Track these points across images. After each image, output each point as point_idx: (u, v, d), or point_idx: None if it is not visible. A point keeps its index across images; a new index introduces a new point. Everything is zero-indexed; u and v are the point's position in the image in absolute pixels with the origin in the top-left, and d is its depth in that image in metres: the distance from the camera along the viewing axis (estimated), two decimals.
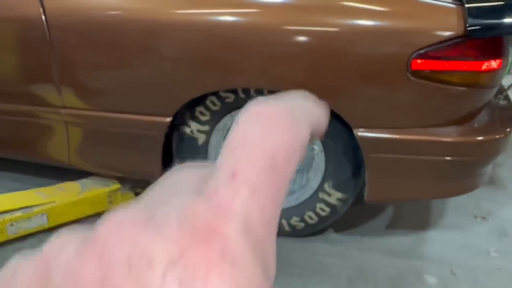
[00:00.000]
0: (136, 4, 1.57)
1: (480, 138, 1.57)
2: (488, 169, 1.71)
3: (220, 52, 1.50)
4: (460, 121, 1.57)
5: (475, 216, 2.09)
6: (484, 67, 1.46)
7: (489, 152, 1.62)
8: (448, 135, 1.55)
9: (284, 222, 1.82)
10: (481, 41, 1.44)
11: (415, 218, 2.06)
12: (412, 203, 2.10)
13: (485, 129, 1.61)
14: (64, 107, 1.70)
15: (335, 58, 1.45)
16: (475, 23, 1.38)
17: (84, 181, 1.92)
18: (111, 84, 1.65)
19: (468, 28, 1.38)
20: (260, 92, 1.57)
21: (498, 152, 1.64)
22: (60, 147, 1.81)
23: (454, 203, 2.12)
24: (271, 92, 1.51)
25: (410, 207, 2.11)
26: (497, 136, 1.59)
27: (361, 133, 1.54)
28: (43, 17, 1.56)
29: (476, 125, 1.60)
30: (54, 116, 1.73)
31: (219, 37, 1.49)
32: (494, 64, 1.47)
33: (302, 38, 1.46)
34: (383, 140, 1.54)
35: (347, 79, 1.48)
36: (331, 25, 1.45)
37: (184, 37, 1.52)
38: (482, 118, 1.63)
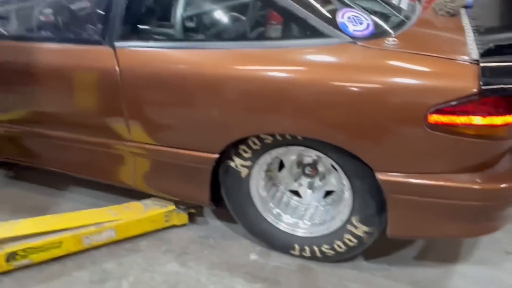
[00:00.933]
0: (199, 59, 1.84)
1: (498, 185, 1.67)
2: (511, 211, 1.80)
3: (263, 103, 1.74)
4: (478, 168, 1.69)
5: (506, 252, 2.15)
6: (499, 121, 1.58)
7: (507, 198, 1.72)
8: (466, 182, 1.66)
9: (315, 248, 2.02)
10: (496, 98, 1.56)
11: (445, 250, 2.14)
12: None
13: (504, 176, 1.71)
14: (132, 141, 2.04)
15: (361, 110, 1.64)
16: (488, 82, 1.51)
17: (146, 201, 2.25)
18: (171, 124, 1.94)
19: (482, 87, 1.51)
20: (294, 136, 1.80)
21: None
22: (128, 172, 2.15)
23: (487, 237, 2.20)
24: (304, 138, 1.75)
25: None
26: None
27: (382, 176, 1.71)
28: (117, 68, 1.90)
29: (495, 172, 1.71)
30: (124, 147, 2.07)
31: (263, 90, 1.73)
32: (510, 118, 1.59)
33: (333, 94, 1.66)
34: (403, 184, 1.70)
35: (370, 128, 1.65)
36: (359, 81, 1.63)
37: (235, 88, 1.77)
38: (502, 165, 1.73)
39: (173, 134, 1.95)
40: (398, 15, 1.98)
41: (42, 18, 2.13)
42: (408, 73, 1.61)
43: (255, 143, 1.89)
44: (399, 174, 1.70)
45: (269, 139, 1.86)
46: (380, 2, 2.07)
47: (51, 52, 2.04)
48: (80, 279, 1.98)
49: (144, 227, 2.18)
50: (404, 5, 2.12)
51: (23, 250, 1.96)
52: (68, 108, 2.10)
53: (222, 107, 1.80)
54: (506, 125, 1.59)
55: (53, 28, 2.13)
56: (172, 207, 2.21)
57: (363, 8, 1.97)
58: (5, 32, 2.21)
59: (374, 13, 1.99)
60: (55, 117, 2.15)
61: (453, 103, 1.54)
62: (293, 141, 1.83)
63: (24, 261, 1.98)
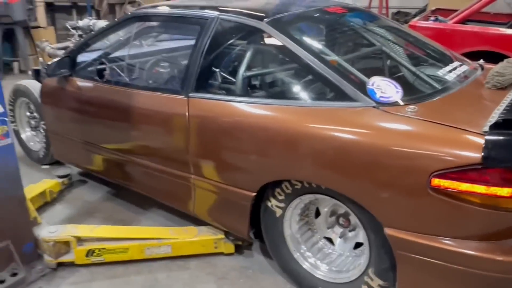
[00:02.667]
0: (249, 111, 2.19)
1: (503, 258, 1.67)
2: None
3: (291, 153, 2.02)
4: (490, 237, 1.71)
5: None
6: (504, 193, 1.61)
7: None
8: (474, 249, 1.70)
9: None
10: (501, 170, 1.61)
11: None
12: None
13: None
14: (192, 173, 2.44)
15: (370, 167, 1.81)
16: (489, 153, 1.58)
17: (202, 228, 2.61)
18: (221, 163, 2.30)
19: (483, 158, 1.59)
20: (318, 185, 2.02)
21: None
22: (189, 200, 2.55)
23: None
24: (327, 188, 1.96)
25: None
26: None
27: (389, 231, 1.83)
28: (187, 114, 2.35)
29: (505, 244, 1.70)
30: (187, 178, 2.48)
31: (294, 144, 2.01)
32: None
33: (345, 150, 1.86)
34: (409, 242, 1.79)
35: (378, 185, 1.80)
36: (369, 141, 1.81)
37: (267, 137, 2.09)
38: None
39: (221, 170, 2.30)
40: (436, 85, 2.11)
41: (143, 70, 2.72)
42: (415, 138, 1.75)
43: (287, 187, 2.15)
44: (406, 232, 1.80)
45: (298, 185, 2.10)
46: (426, 72, 2.23)
47: (145, 98, 2.58)
48: (135, 282, 2.40)
49: (195, 249, 2.53)
50: (451, 76, 2.24)
51: (99, 249, 2.45)
52: (151, 141, 2.61)
53: (255, 154, 2.12)
54: None
55: (148, 79, 2.70)
56: (221, 236, 2.54)
57: (405, 76, 2.17)
58: (112, 79, 2.84)
59: (412, 82, 2.17)
60: (143, 148, 2.67)
61: (455, 170, 1.64)
62: (317, 190, 2.05)
63: (98, 258, 2.46)
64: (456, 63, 2.44)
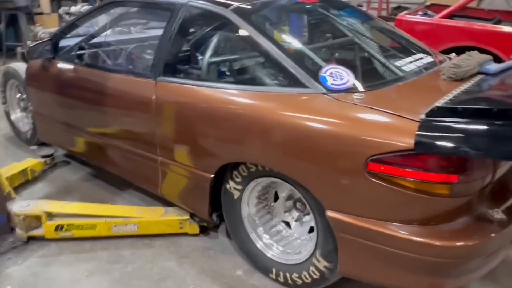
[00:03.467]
0: (208, 95, 2.27)
1: (442, 241, 1.72)
2: (464, 272, 1.79)
3: (243, 136, 2.09)
4: (427, 222, 1.76)
5: None
6: (435, 178, 1.66)
7: (454, 256, 1.73)
8: (408, 233, 1.75)
9: (288, 275, 2.22)
10: (433, 156, 1.66)
11: None
12: None
13: (454, 234, 1.74)
14: (158, 155, 2.53)
15: (311, 150, 1.87)
16: (421, 140, 1.63)
17: (169, 208, 2.70)
18: (183, 144, 2.37)
19: (415, 144, 1.64)
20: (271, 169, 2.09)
21: (463, 258, 1.74)
22: (156, 180, 2.63)
23: None
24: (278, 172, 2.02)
25: None
26: (459, 243, 1.71)
27: (330, 213, 1.89)
28: (154, 97, 2.43)
29: (442, 229, 1.75)
30: (154, 159, 2.56)
31: (246, 127, 2.08)
32: (448, 178, 1.66)
33: (290, 133, 1.93)
34: (348, 224, 1.85)
35: (319, 168, 1.87)
36: (312, 124, 1.87)
37: (224, 121, 2.16)
38: (452, 225, 1.76)
39: (183, 152, 2.38)
40: (390, 75, 2.16)
41: (118, 54, 2.81)
42: (356, 124, 1.81)
43: (243, 170, 2.22)
44: (346, 214, 1.86)
45: (253, 168, 2.17)
46: (385, 63, 2.28)
47: (118, 81, 2.67)
48: (101, 257, 2.50)
49: (161, 229, 2.62)
50: (409, 67, 2.28)
51: (68, 225, 2.56)
52: (123, 124, 2.70)
53: (214, 137, 2.19)
54: (444, 182, 1.67)
55: (122, 62, 2.79)
56: (186, 217, 2.62)
57: (361, 66, 2.22)
58: (90, 62, 2.93)
59: (368, 71, 2.22)
60: (115, 130, 2.76)
61: (390, 155, 1.69)
62: (270, 173, 2.12)
63: (67, 234, 2.57)
64: (419, 55, 2.48)
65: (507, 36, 3.65)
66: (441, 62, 2.53)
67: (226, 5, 2.35)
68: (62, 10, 4.31)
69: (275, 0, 2.60)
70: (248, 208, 2.34)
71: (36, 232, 2.58)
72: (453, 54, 2.75)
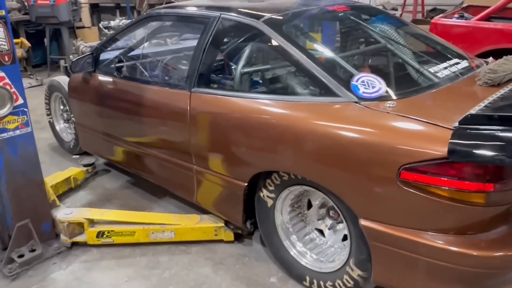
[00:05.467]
0: (242, 105, 2.32)
1: (479, 252, 1.69)
2: (502, 283, 1.75)
3: (275, 145, 2.12)
4: (461, 231, 1.74)
5: None
6: (470, 187, 1.64)
7: (491, 266, 1.70)
8: (443, 242, 1.73)
9: (322, 283, 2.23)
10: (468, 164, 1.63)
11: None
12: None
13: (490, 245, 1.71)
14: (194, 164, 2.60)
15: (344, 159, 1.88)
16: (454, 148, 1.61)
17: (204, 216, 2.76)
18: (218, 155, 2.43)
19: (448, 152, 1.62)
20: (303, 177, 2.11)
21: (501, 268, 1.70)
22: (191, 188, 2.70)
23: None
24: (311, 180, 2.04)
25: None
26: (497, 253, 1.67)
27: (363, 222, 1.89)
28: (189, 107, 2.50)
29: (479, 238, 1.72)
30: (189, 167, 2.63)
31: (278, 136, 2.11)
32: (484, 186, 1.63)
33: (323, 142, 1.94)
34: (381, 232, 1.84)
35: (352, 177, 1.87)
36: (345, 134, 1.88)
37: (256, 133, 2.20)
38: (490, 234, 1.73)
39: (218, 161, 2.44)
40: (424, 82, 2.15)
41: (155, 66, 2.90)
42: (388, 132, 1.80)
43: (276, 179, 2.25)
44: (379, 223, 1.86)
45: (285, 177, 2.20)
46: (419, 69, 2.26)
47: (154, 92, 2.76)
48: (139, 263, 2.58)
49: (196, 235, 2.69)
50: (444, 73, 2.25)
51: (108, 231, 2.67)
52: (159, 133, 2.78)
53: (247, 146, 2.24)
54: (480, 191, 1.64)
55: (159, 75, 2.88)
56: (221, 224, 2.68)
57: (394, 73, 2.21)
58: (128, 75, 3.05)
59: (401, 78, 2.21)
60: (152, 140, 2.85)
61: (423, 163, 1.68)
62: (302, 181, 2.14)
63: (108, 240, 2.68)
64: (454, 60, 2.44)
65: None
66: (477, 66, 2.48)
67: (258, 17, 2.39)
68: (102, 24, 4.50)
69: (306, 10, 2.62)
70: (282, 216, 2.37)
71: (79, 238, 2.70)
72: (491, 59, 2.69)
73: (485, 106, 1.84)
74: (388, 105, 1.91)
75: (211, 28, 2.52)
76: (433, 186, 1.69)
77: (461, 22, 4.00)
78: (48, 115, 4.18)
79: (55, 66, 7.42)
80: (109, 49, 3.31)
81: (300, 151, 2.02)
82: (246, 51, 2.49)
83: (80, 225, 2.69)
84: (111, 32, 4.53)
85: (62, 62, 4.25)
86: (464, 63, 2.45)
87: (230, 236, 2.69)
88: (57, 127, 4.14)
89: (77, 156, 3.94)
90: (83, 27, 7.36)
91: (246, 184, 2.33)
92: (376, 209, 1.86)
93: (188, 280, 2.43)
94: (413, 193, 1.73)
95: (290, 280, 2.39)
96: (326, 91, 2.07)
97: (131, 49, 3.24)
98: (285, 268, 2.41)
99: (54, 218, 2.70)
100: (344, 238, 2.26)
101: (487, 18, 3.98)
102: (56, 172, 3.41)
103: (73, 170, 3.45)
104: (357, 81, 2.04)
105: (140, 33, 3.24)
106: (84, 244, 2.72)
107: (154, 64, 3.09)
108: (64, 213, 2.71)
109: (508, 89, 2.07)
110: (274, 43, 2.32)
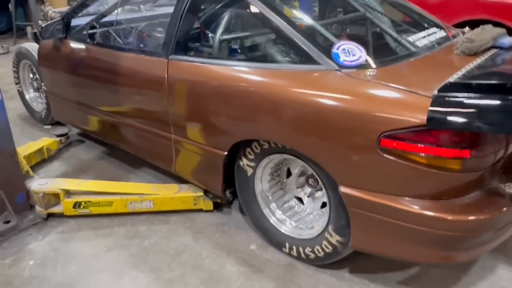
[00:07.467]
0: (220, 73, 2.28)
1: (453, 215, 1.74)
2: (474, 245, 1.82)
3: (255, 114, 2.11)
4: (437, 196, 1.78)
5: None
6: (447, 154, 1.68)
7: (465, 229, 1.76)
8: (419, 207, 1.77)
9: (301, 249, 2.27)
10: (446, 131, 1.66)
11: (435, 282, 2.19)
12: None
13: (465, 208, 1.76)
14: (173, 133, 2.56)
15: (324, 127, 1.88)
16: (433, 115, 1.63)
17: (183, 185, 2.75)
18: (197, 123, 2.40)
19: (427, 119, 1.64)
20: (283, 146, 2.11)
21: (475, 231, 1.76)
22: (170, 158, 2.68)
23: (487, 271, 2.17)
24: (291, 148, 2.04)
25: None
26: (470, 217, 1.73)
27: (343, 189, 1.92)
28: (166, 75, 2.45)
29: (454, 203, 1.77)
30: (167, 137, 2.60)
31: (258, 104, 2.09)
32: (460, 153, 1.67)
33: (303, 110, 1.94)
34: (361, 199, 1.88)
35: (332, 145, 1.88)
36: (325, 101, 1.87)
37: (238, 98, 2.17)
38: (464, 199, 1.79)
39: (197, 130, 2.41)
40: (403, 50, 2.16)
41: (130, 32, 2.81)
42: (369, 100, 1.81)
43: (256, 147, 2.25)
44: (358, 189, 1.89)
45: (266, 145, 2.20)
46: (398, 38, 2.26)
47: (130, 60, 2.68)
48: (118, 233, 2.57)
49: (175, 205, 2.68)
50: (422, 42, 2.26)
51: (85, 202, 2.63)
52: (136, 102, 2.73)
53: (227, 115, 2.21)
54: (457, 158, 1.68)
55: (134, 41, 2.80)
56: (200, 193, 2.67)
57: (373, 41, 2.20)
58: (101, 41, 2.95)
59: (380, 47, 2.21)
60: (129, 109, 2.79)
61: (403, 131, 1.70)
62: (283, 149, 2.14)
63: (85, 211, 2.64)
64: (432, 29, 2.46)
65: None
66: (454, 36, 2.51)
67: None
68: None
69: None
70: (261, 184, 2.38)
71: (55, 209, 2.65)
72: (467, 28, 2.72)
73: (463, 74, 1.87)
74: (369, 73, 1.91)
75: None
76: (412, 153, 1.72)
77: None
78: (16, 84, 4.03)
79: (21, 33, 7.12)
80: (80, 15, 3.18)
81: (281, 120, 2.01)
82: (225, 17, 2.43)
83: (56, 196, 2.64)
84: None
85: (29, 29, 4.08)
86: (441, 33, 2.47)
87: (209, 205, 2.69)
88: (27, 96, 4.00)
89: (49, 126, 3.84)
90: None
91: (226, 153, 2.32)
92: (355, 176, 1.89)
93: (168, 249, 2.44)
94: (392, 160, 1.76)
95: (269, 247, 2.43)
96: (306, 58, 2.05)
97: (104, 15, 3.12)
98: (265, 236, 2.45)
99: (28, 189, 2.64)
100: (323, 205, 2.30)
101: None
102: (28, 143, 3.31)
103: (46, 140, 3.36)
104: (337, 49, 2.03)
105: None
106: (61, 215, 2.68)
107: (129, 30, 2.99)
108: (39, 183, 2.65)
109: (484, 58, 2.10)
110: (254, 9, 2.28)
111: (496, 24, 2.44)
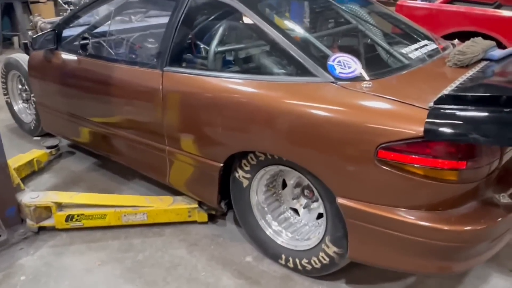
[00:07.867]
0: (215, 84, 2.28)
1: (450, 226, 1.76)
2: (471, 256, 1.84)
3: (251, 126, 2.11)
4: (434, 207, 1.80)
5: None
6: (444, 165, 1.70)
7: (462, 240, 1.78)
8: (416, 218, 1.79)
9: (297, 261, 2.27)
10: (442, 143, 1.69)
11: None
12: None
13: (462, 219, 1.78)
14: (167, 145, 2.55)
15: (321, 138, 1.89)
16: (430, 127, 1.66)
17: (178, 197, 2.73)
18: (192, 136, 2.39)
19: (424, 131, 1.67)
20: (280, 157, 2.11)
21: (471, 242, 1.78)
22: (164, 170, 2.66)
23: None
24: (288, 160, 2.05)
25: None
26: (466, 228, 1.75)
27: (340, 200, 1.93)
28: (161, 87, 2.44)
29: (450, 214, 1.79)
30: (161, 149, 2.58)
31: (255, 117, 2.09)
32: (457, 164, 1.70)
33: (300, 122, 1.95)
34: (358, 210, 1.89)
35: (329, 156, 1.90)
36: (322, 113, 1.89)
37: (235, 110, 2.17)
38: (460, 210, 1.81)
39: (192, 142, 2.40)
40: (397, 62, 2.19)
41: (123, 44, 2.80)
42: (366, 112, 1.83)
43: (252, 159, 2.25)
44: (356, 201, 1.90)
45: (262, 157, 2.20)
46: (391, 50, 2.30)
47: (123, 71, 2.67)
48: (112, 246, 2.53)
49: (169, 217, 2.66)
50: (415, 54, 2.30)
51: (78, 215, 2.59)
52: (130, 114, 2.71)
53: (223, 126, 2.21)
54: (453, 169, 1.71)
55: (127, 53, 2.79)
56: (195, 205, 2.66)
57: (367, 54, 2.23)
58: (93, 52, 2.93)
59: (374, 59, 2.24)
60: (122, 121, 2.77)
61: (400, 143, 1.72)
62: (279, 161, 2.14)
63: (78, 224, 2.60)
64: (424, 42, 2.50)
65: (508, 20, 3.67)
66: (444, 48, 2.55)
67: None
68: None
69: None
70: (257, 196, 2.38)
71: (47, 223, 2.61)
72: (456, 41, 2.77)
73: (457, 87, 1.90)
74: (364, 85, 1.93)
75: (184, 5, 2.44)
76: (408, 164, 1.74)
77: (426, 4, 4.10)
78: (5, 94, 3.97)
79: (7, 43, 7.03)
80: (71, 25, 3.16)
81: (279, 132, 2.02)
82: (220, 29, 2.44)
83: (48, 209, 2.60)
84: (71, 8, 4.33)
85: (16, 39, 4.03)
86: (432, 45, 2.51)
87: (204, 217, 2.68)
88: (15, 108, 3.94)
89: (39, 138, 3.79)
90: (38, 1, 6.98)
91: (221, 164, 2.32)
92: (353, 187, 1.90)
93: (163, 262, 2.41)
94: (389, 171, 1.77)
95: (265, 259, 2.42)
96: (302, 71, 2.07)
97: (96, 26, 3.11)
98: (261, 248, 2.44)
99: (19, 203, 2.59)
100: (319, 216, 2.30)
101: (450, 1, 4.09)
102: (17, 155, 3.26)
103: (36, 152, 3.31)
104: (333, 61, 2.05)
105: (105, 9, 3.11)
106: (52, 229, 2.64)
107: (121, 41, 2.98)
108: (30, 197, 2.60)
109: (476, 70, 2.14)
110: (248, 21, 2.29)
111: (482, 36, 2.49)
